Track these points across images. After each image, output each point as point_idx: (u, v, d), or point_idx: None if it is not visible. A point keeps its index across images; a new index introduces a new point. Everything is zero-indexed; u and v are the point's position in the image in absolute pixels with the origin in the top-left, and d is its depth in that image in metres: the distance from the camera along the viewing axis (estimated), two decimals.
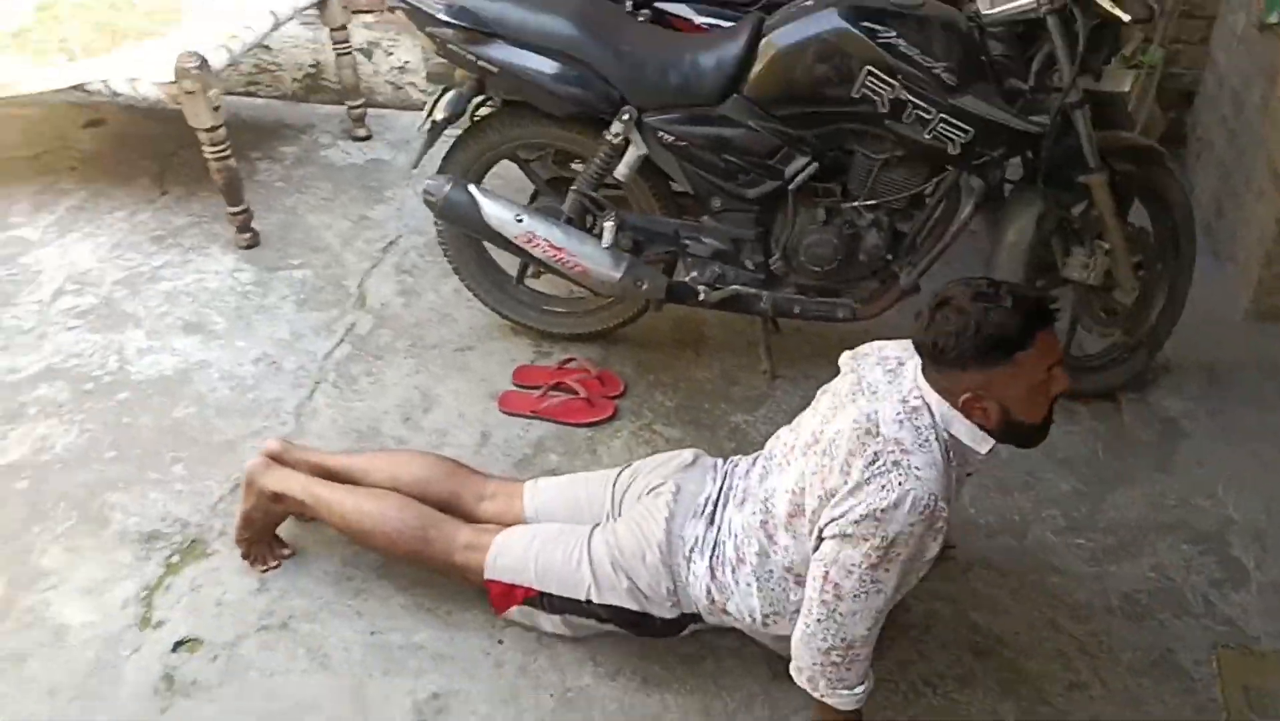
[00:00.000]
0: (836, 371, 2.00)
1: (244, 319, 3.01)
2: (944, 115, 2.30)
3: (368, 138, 3.88)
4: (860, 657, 1.73)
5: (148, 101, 3.09)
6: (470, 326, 2.97)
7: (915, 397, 1.73)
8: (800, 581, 1.81)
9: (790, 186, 2.46)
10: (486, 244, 2.73)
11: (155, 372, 2.81)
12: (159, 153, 3.75)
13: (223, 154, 3.13)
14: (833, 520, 1.68)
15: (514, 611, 2.09)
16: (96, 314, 3.01)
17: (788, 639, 1.82)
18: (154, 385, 2.77)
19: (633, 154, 2.47)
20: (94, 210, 3.46)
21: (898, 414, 1.70)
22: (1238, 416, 2.68)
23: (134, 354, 2.87)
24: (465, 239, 2.75)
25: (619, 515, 2.10)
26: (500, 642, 2.13)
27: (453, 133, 2.68)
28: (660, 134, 2.43)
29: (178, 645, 2.13)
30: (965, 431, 1.71)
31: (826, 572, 1.69)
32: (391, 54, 3.95)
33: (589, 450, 2.57)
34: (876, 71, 2.27)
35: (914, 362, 1.77)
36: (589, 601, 2.01)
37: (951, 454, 1.72)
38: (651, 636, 2.05)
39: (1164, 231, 2.62)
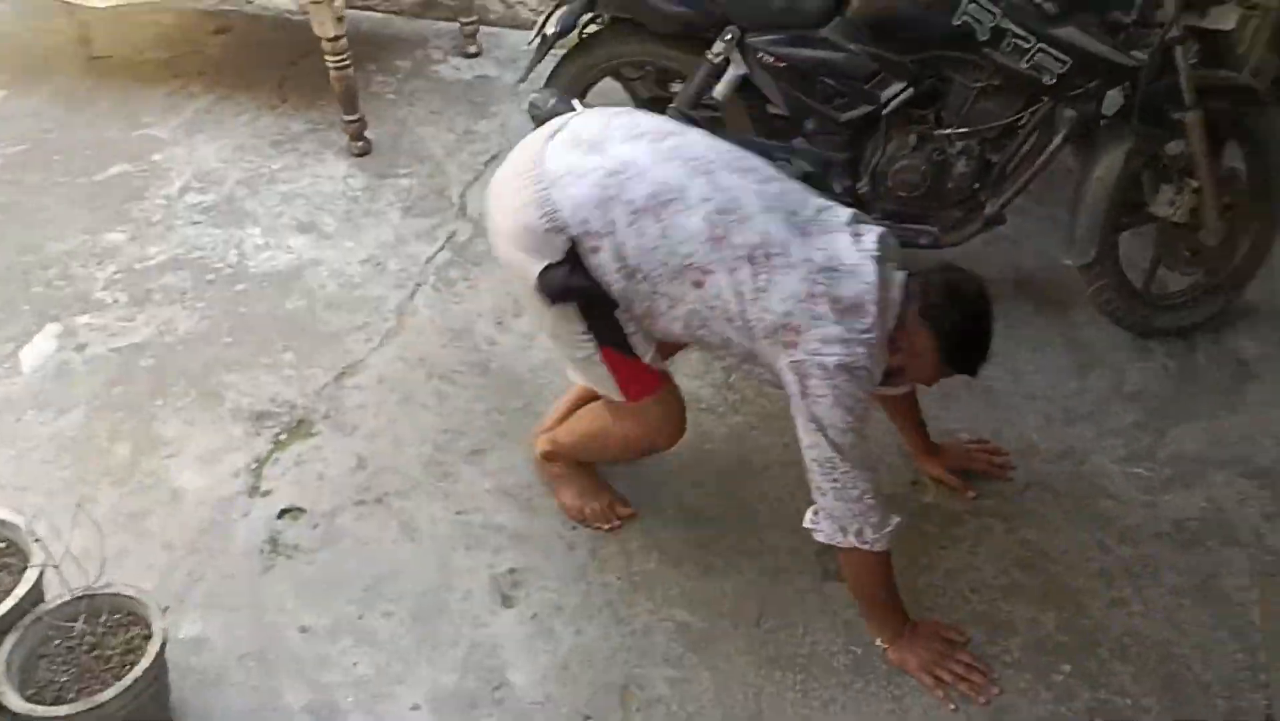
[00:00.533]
0: None
1: (353, 222, 3.20)
2: (1042, 44, 2.33)
3: (478, 54, 4.01)
4: (876, 502, 1.88)
5: (278, 9, 3.25)
6: None
7: (895, 303, 1.84)
8: (692, 281, 1.83)
9: (885, 111, 2.52)
10: None
11: (270, 267, 3.02)
12: (280, 61, 3.93)
13: (343, 63, 3.30)
14: (812, 353, 1.77)
15: (663, 373, 2.08)
16: (219, 210, 3.23)
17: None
18: (269, 279, 2.98)
19: (732, 73, 2.55)
20: (220, 113, 3.67)
21: (882, 304, 1.80)
22: None
23: (251, 249, 3.08)
24: None
25: None
26: (574, 528, 2.29)
27: (558, 52, 2.80)
28: (761, 54, 2.51)
29: (282, 512, 2.34)
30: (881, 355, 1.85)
31: (827, 435, 1.80)
32: None
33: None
34: None
35: (901, 274, 1.87)
36: (550, 299, 1.92)
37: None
38: (604, 305, 1.92)
39: (1256, 175, 2.61)
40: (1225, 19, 2.48)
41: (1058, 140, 2.52)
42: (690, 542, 2.25)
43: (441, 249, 3.09)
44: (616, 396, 2.04)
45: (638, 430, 2.12)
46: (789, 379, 1.83)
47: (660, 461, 2.40)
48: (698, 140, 1.94)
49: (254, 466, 2.43)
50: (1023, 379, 2.64)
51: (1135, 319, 2.70)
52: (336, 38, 3.25)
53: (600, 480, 2.34)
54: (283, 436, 2.51)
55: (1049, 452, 2.45)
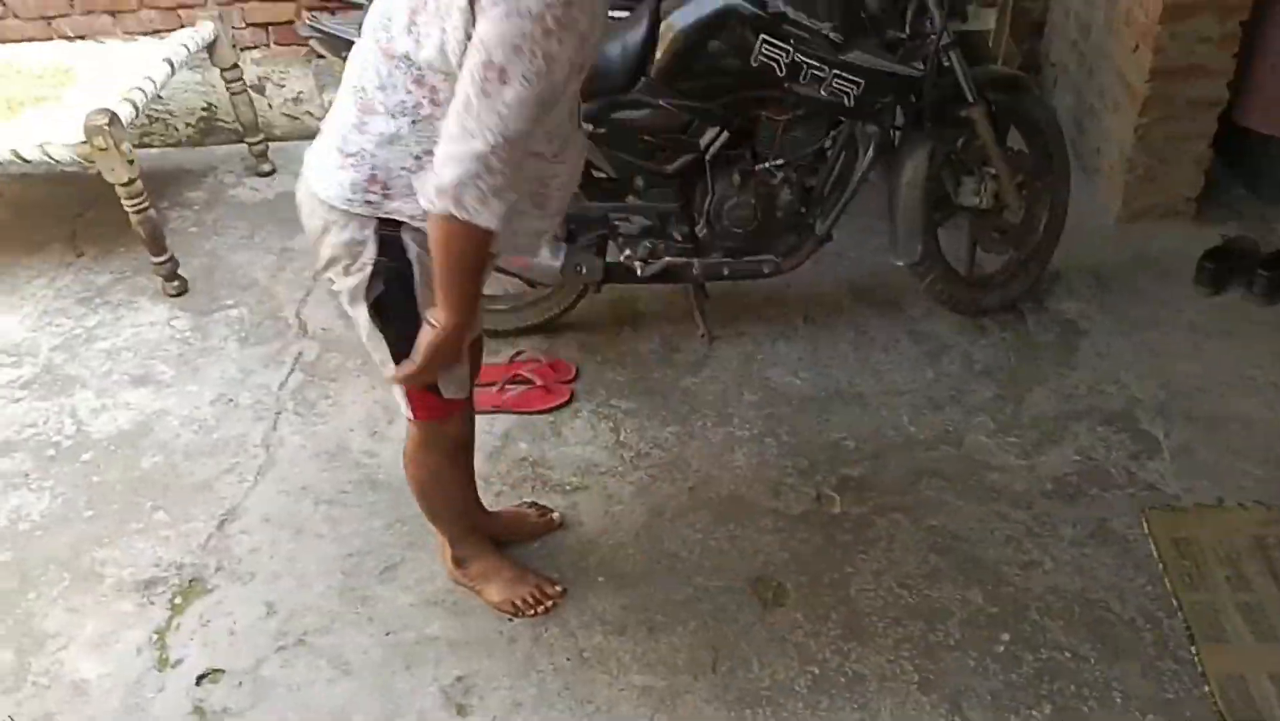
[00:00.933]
0: (766, 324, 2.11)
1: (190, 364, 3.07)
2: (836, 71, 2.51)
3: (272, 172, 3.93)
4: (513, 164, 1.59)
5: (61, 164, 3.11)
6: None
7: None
8: (425, 90, 1.65)
9: (706, 156, 2.64)
10: None
11: (114, 429, 2.85)
12: (66, 216, 3.74)
13: (142, 206, 3.17)
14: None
15: (449, 408, 2.01)
16: (40, 382, 3.03)
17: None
18: (115, 440, 2.81)
19: None
20: (11, 282, 3.45)
21: None
22: (1125, 310, 2.98)
23: (88, 414, 2.91)
24: None
25: None
26: (510, 620, 2.27)
27: None
28: (580, 126, 2.58)
29: (200, 678, 2.20)
30: None
31: (489, 58, 1.51)
32: (283, 85, 4.01)
33: (555, 433, 2.72)
34: (770, 39, 2.46)
35: None
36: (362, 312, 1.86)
37: None
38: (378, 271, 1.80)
39: (1038, 151, 2.89)
40: (985, 19, 2.75)
41: (866, 156, 2.72)
42: (628, 607, 2.27)
43: (292, 371, 3.00)
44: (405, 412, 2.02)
45: (434, 456, 2.12)
46: (482, 6, 1.52)
47: (575, 531, 2.44)
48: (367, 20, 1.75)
49: (155, 639, 2.29)
50: (883, 378, 2.81)
51: (967, 302, 2.93)
52: (130, 181, 3.13)
53: (519, 566, 2.34)
54: (177, 600, 2.38)
55: (928, 440, 2.62)
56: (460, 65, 1.57)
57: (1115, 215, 3.32)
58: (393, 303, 1.84)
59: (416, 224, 1.74)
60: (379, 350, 1.94)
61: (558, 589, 2.31)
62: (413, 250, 1.79)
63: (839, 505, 2.46)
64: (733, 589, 2.29)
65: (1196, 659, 2.07)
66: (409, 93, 1.67)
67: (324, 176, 1.78)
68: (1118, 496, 2.42)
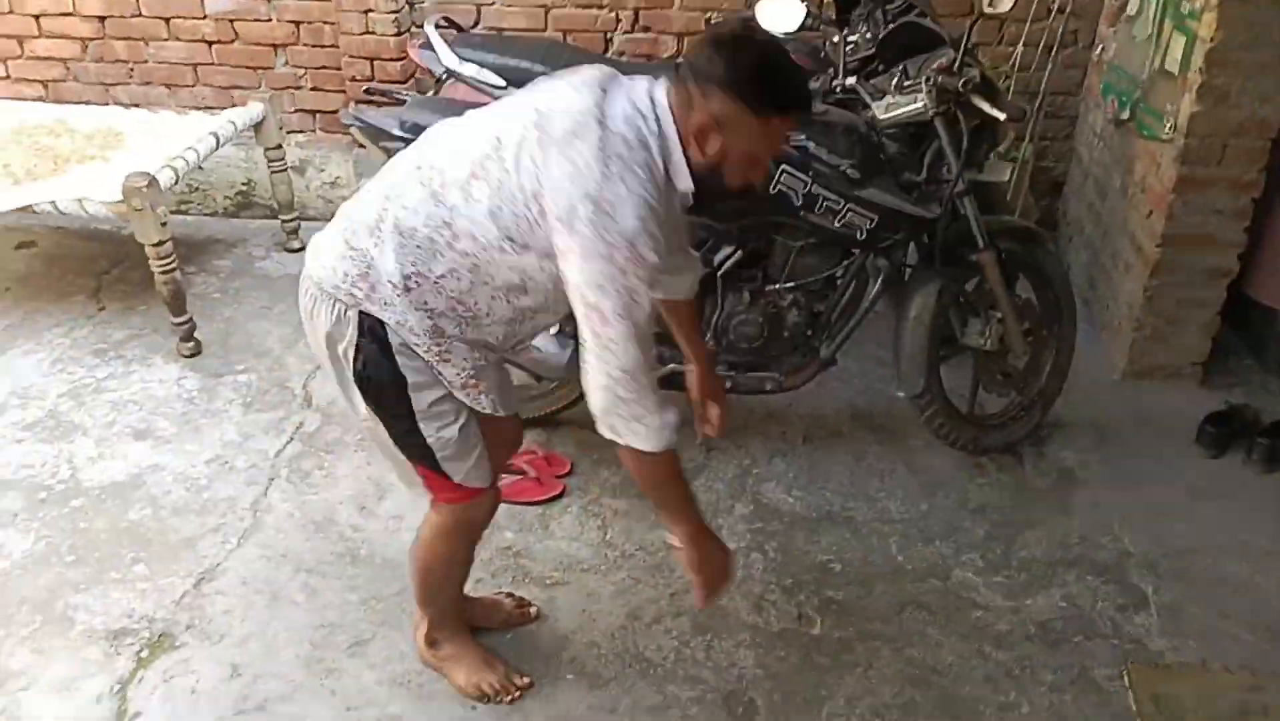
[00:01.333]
0: (765, 440, 2.14)
1: (192, 423, 3.10)
2: (851, 205, 2.59)
3: (301, 249, 4.03)
4: (646, 387, 1.71)
5: (95, 219, 3.21)
6: None
7: (645, 104, 1.71)
8: (450, 235, 1.74)
9: (718, 273, 2.71)
10: None
11: (107, 479, 2.87)
12: (93, 271, 3.85)
13: (168, 267, 3.26)
14: (560, 212, 1.64)
15: (468, 486, 2.01)
16: (43, 425, 3.07)
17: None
18: (107, 491, 2.83)
19: None
20: (32, 328, 3.52)
21: (625, 111, 1.69)
22: (1124, 464, 2.98)
23: (84, 462, 2.93)
24: None
25: None
26: (474, 709, 2.23)
27: None
28: None
29: None
30: (677, 161, 1.72)
31: (586, 300, 1.66)
32: (323, 170, 4.15)
33: (542, 526, 2.72)
34: (790, 170, 2.55)
35: (656, 84, 1.76)
36: (363, 411, 1.93)
37: (668, 170, 1.73)
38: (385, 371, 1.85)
39: (1047, 302, 2.95)
40: (1000, 172, 2.85)
41: (875, 287, 2.78)
42: (594, 707, 2.23)
43: (290, 440, 3.03)
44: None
45: (451, 533, 2.11)
46: (559, 247, 1.68)
47: (551, 626, 2.42)
48: (422, 142, 1.88)
49: (117, 689, 2.26)
50: (876, 505, 2.81)
51: (966, 439, 2.94)
52: (160, 242, 3.22)
53: (489, 653, 2.31)
54: (144, 653, 2.35)
55: (916, 571, 2.59)
56: (505, 240, 1.72)
57: (1121, 372, 3.35)
58: (379, 383, 1.87)
59: (393, 327, 1.81)
60: (392, 456, 2.00)
61: (525, 680, 2.27)
62: (394, 340, 1.82)
63: (819, 626, 2.43)
64: (704, 700, 2.24)
65: None
66: (434, 230, 1.76)
67: (322, 259, 1.85)
68: (1101, 646, 2.39)
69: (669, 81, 1.74)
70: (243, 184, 4.20)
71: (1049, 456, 3.01)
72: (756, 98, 1.67)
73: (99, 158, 3.49)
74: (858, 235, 2.64)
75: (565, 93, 1.74)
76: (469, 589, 2.43)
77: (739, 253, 2.72)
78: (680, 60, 1.76)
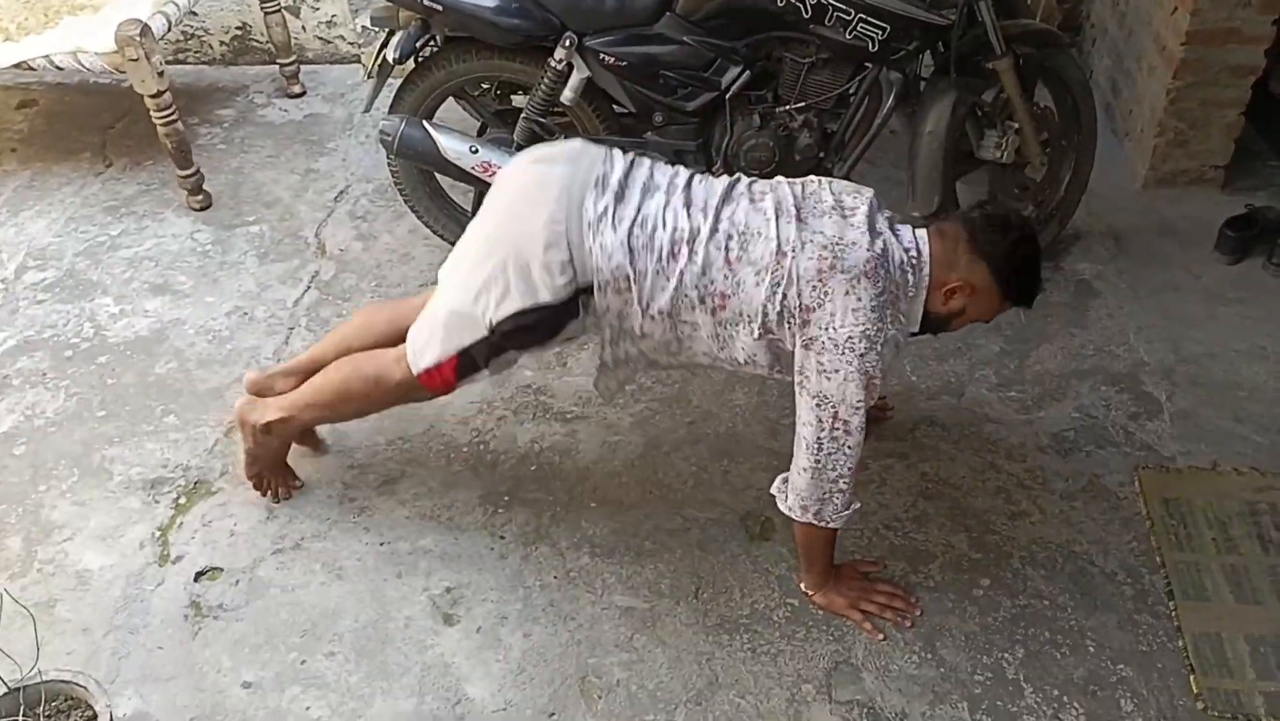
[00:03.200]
0: None
1: (209, 276, 3.12)
2: (862, 14, 2.49)
3: (302, 94, 3.96)
4: (853, 479, 1.95)
5: (92, 72, 3.16)
6: (430, 263, 3.11)
7: (913, 260, 1.92)
8: (710, 309, 1.93)
9: (726, 96, 2.64)
10: (441, 178, 2.88)
11: (131, 334, 2.91)
12: (97, 126, 3.80)
13: (169, 118, 3.21)
14: (825, 327, 1.84)
15: (459, 388, 2.14)
16: (62, 285, 3.09)
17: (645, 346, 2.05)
18: (132, 346, 2.87)
19: (576, 77, 2.61)
20: (42, 188, 3.51)
21: (902, 261, 1.90)
22: (1142, 274, 2.96)
23: (107, 319, 2.97)
24: (419, 177, 2.90)
25: None
26: (502, 538, 2.32)
27: (395, 79, 2.81)
28: (601, 56, 2.58)
29: (199, 575, 2.27)
30: (918, 306, 1.94)
31: (836, 414, 1.86)
32: (318, 8, 4.02)
33: (560, 363, 2.75)
34: None
35: (909, 229, 1.97)
36: (492, 330, 2.01)
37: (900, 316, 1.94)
38: (553, 336, 2.05)
39: (1066, 110, 2.86)
40: None
41: (888, 102, 2.70)
42: (617, 531, 2.31)
43: (308, 289, 3.05)
44: (414, 361, 2.11)
45: (397, 395, 2.22)
46: (800, 356, 1.89)
47: (573, 456, 2.48)
48: (698, 185, 2.02)
49: (158, 535, 2.36)
50: None
51: None
52: (159, 93, 3.16)
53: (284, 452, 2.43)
54: (182, 500, 2.44)
55: (929, 390, 2.62)
56: (754, 322, 1.91)
57: (1142, 179, 3.28)
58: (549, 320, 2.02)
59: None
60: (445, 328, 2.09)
61: (298, 483, 2.45)
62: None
63: None
64: (721, 521, 2.32)
65: (1174, 614, 2.08)
66: (707, 293, 1.92)
67: (602, 236, 1.94)
68: (1113, 454, 2.42)
69: (950, 226, 1.96)
70: (237, 28, 4.08)
71: (1066, 269, 2.98)
72: (1009, 284, 1.93)
73: (89, 7, 3.39)
74: (869, 47, 2.56)
75: (849, 232, 1.89)
76: (491, 429, 2.52)
77: (747, 73, 2.65)
78: (975, 212, 1.98)
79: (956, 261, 1.91)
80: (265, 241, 3.24)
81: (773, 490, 2.04)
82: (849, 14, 2.50)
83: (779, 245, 1.88)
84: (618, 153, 2.07)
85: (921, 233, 1.96)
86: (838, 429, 1.88)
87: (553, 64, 2.61)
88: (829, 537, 2.06)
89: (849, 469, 1.92)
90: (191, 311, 2.98)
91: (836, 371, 1.84)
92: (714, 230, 1.93)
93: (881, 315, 1.85)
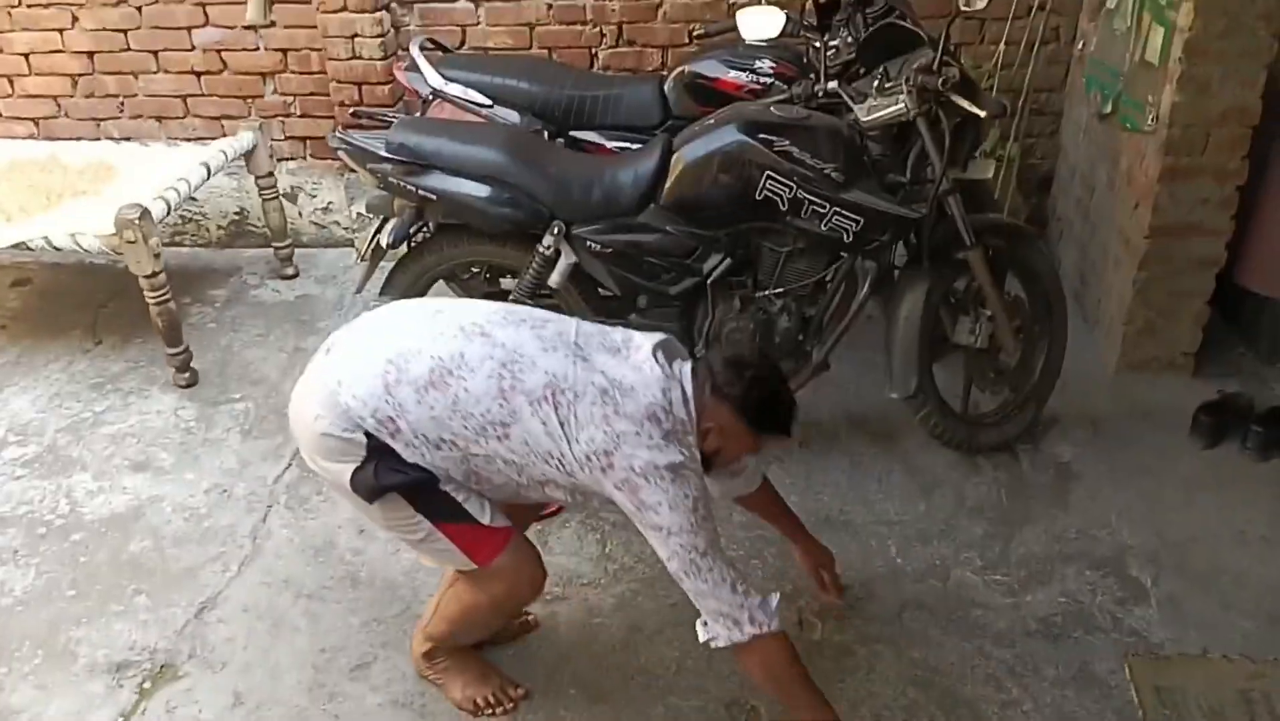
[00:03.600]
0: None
1: (190, 453, 3.11)
2: (836, 209, 2.60)
3: (295, 275, 4.06)
4: (740, 575, 1.94)
5: (89, 253, 3.24)
6: None
7: (683, 396, 1.95)
8: (495, 436, 1.91)
9: (708, 281, 2.72)
10: None
11: (107, 511, 2.88)
12: (89, 305, 3.87)
13: (163, 298, 3.27)
14: (629, 467, 1.86)
15: (505, 532, 2.08)
16: (41, 461, 3.08)
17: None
18: (107, 523, 2.84)
19: (564, 262, 2.69)
20: (29, 364, 3.54)
21: (683, 400, 1.94)
22: (1120, 457, 2.98)
23: (84, 496, 2.94)
24: None
25: None
26: None
27: (387, 263, 2.89)
28: (588, 243, 2.67)
29: None
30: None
31: (682, 540, 1.88)
32: (315, 196, 4.17)
33: (540, 542, 2.69)
34: (775, 175, 2.56)
35: (683, 369, 1.99)
36: (368, 496, 1.98)
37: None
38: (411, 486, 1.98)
39: (1036, 298, 2.95)
40: (984, 170, 2.86)
41: (864, 289, 2.78)
42: (604, 717, 2.23)
43: (289, 466, 3.04)
44: (468, 565, 2.07)
45: (502, 589, 2.13)
46: (620, 499, 1.91)
47: (552, 641, 2.42)
48: (466, 308, 2.05)
49: None
50: (874, 508, 2.81)
51: (961, 439, 2.94)
52: (154, 274, 3.24)
53: (486, 663, 2.32)
54: (147, 685, 2.36)
55: (915, 573, 2.59)
56: (553, 461, 1.92)
57: (1114, 366, 3.35)
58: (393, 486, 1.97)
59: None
60: (453, 559, 2.09)
61: (520, 691, 2.29)
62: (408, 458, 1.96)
63: (820, 632, 2.43)
64: (706, 710, 2.25)
65: None
66: (489, 423, 1.91)
67: (351, 388, 1.92)
68: (1102, 640, 2.38)
69: (698, 372, 2.00)
70: (235, 213, 4.22)
71: (1045, 452, 3.01)
72: (757, 419, 1.99)
73: (91, 192, 3.51)
74: (844, 238, 2.65)
75: (629, 374, 1.93)
76: None
77: (728, 260, 2.73)
78: (711, 354, 2.06)
79: (705, 405, 1.97)
80: (249, 418, 3.25)
81: (702, 639, 1.98)
82: (824, 208, 2.61)
83: (555, 381, 1.90)
84: (358, 318, 2.11)
85: (684, 369, 2.00)
86: (693, 551, 1.89)
87: (541, 250, 2.70)
88: (788, 655, 1.98)
89: (729, 574, 1.92)
90: (170, 488, 2.96)
91: (660, 503, 1.87)
92: (487, 356, 1.92)
93: (677, 447, 1.89)
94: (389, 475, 1.93)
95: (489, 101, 3.05)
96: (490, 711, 2.25)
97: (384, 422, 1.91)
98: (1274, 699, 2.22)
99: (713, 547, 1.91)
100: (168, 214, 3.34)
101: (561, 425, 1.89)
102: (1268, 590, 2.52)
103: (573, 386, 1.90)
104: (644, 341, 2.01)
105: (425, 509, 1.99)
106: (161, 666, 2.40)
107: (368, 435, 1.92)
